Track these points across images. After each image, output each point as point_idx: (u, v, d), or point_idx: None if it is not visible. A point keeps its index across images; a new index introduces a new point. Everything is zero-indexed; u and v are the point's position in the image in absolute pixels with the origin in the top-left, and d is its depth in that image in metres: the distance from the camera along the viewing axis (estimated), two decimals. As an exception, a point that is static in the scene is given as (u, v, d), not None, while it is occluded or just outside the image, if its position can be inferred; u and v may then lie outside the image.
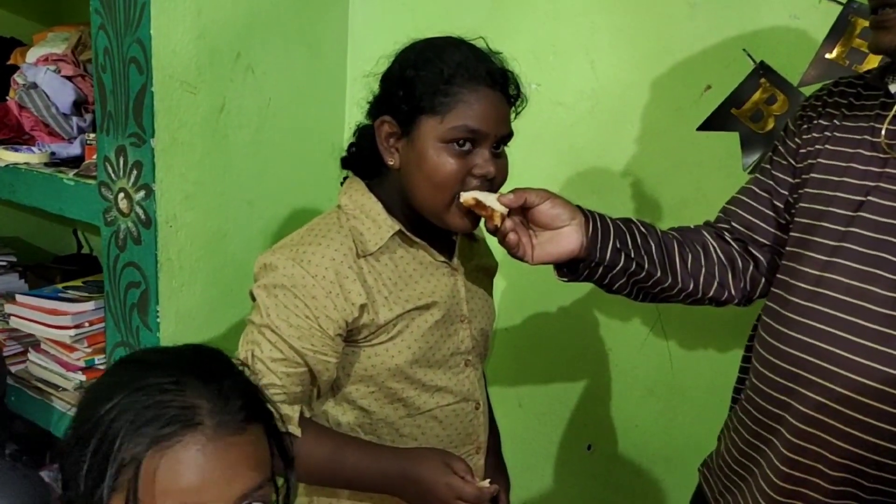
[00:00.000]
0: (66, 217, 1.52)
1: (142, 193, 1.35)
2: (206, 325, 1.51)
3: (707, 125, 1.31)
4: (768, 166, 1.01)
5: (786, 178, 0.97)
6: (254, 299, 1.02)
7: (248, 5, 1.45)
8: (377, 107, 1.01)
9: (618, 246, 0.96)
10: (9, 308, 1.58)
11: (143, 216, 1.36)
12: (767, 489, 0.89)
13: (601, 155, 1.48)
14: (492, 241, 1.10)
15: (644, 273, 0.98)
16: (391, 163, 0.99)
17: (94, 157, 1.45)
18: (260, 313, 0.98)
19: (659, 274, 0.99)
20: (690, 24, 1.31)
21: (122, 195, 1.38)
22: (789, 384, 0.86)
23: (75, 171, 1.52)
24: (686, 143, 1.34)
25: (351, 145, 1.10)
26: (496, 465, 1.23)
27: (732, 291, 1.02)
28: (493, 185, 0.97)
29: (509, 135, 0.98)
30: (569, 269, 1.01)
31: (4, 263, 1.98)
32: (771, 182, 0.99)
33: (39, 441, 1.76)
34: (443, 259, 1.06)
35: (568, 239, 0.97)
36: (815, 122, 0.94)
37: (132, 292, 1.42)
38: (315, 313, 0.96)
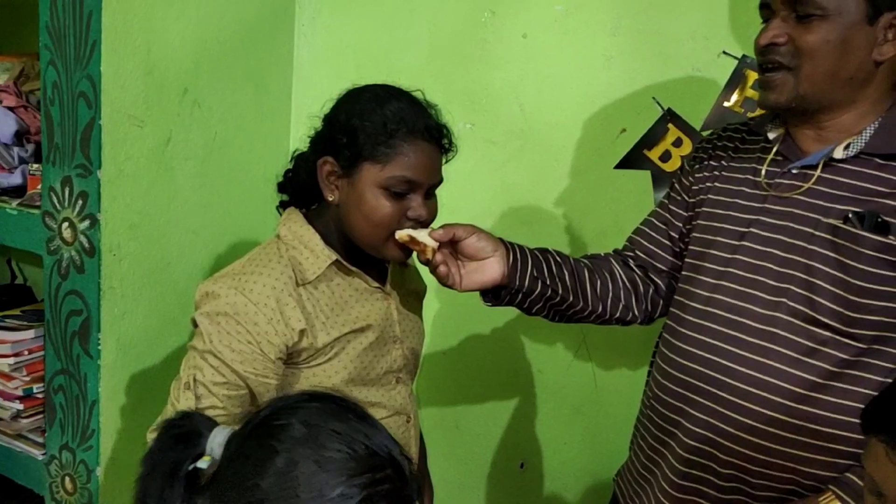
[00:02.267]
0: (8, 246, 1.53)
1: (87, 223, 1.38)
2: (147, 352, 1.53)
3: (623, 164, 1.44)
4: (666, 201, 1.14)
5: (680, 211, 1.10)
6: (195, 325, 1.07)
7: (196, 43, 1.51)
8: (320, 146, 1.09)
9: (535, 274, 1.07)
10: (-57, 337, 1.56)
11: (87, 245, 1.39)
12: (668, 488, 1.00)
13: (530, 190, 1.59)
14: (423, 268, 1.19)
15: (559, 298, 1.09)
16: (331, 198, 1.06)
17: (39, 187, 1.47)
18: (203, 339, 1.03)
19: (571, 298, 1.09)
20: (607, 74, 1.45)
21: (66, 224, 1.41)
22: (683, 391, 0.98)
23: (18, 200, 1.53)
24: (604, 180, 1.48)
25: (287, 171, 1.17)
26: (422, 475, 1.31)
27: (636, 312, 1.14)
28: (424, 225, 1.06)
29: (440, 181, 1.08)
30: (493, 294, 1.11)
31: (-65, 293, 1.94)
32: (668, 215, 1.12)
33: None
34: (377, 285, 1.14)
35: (491, 269, 1.07)
36: (706, 162, 1.07)
37: (73, 320, 1.44)
38: (257, 339, 1.02)
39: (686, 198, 1.10)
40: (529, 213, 1.60)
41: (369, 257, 1.10)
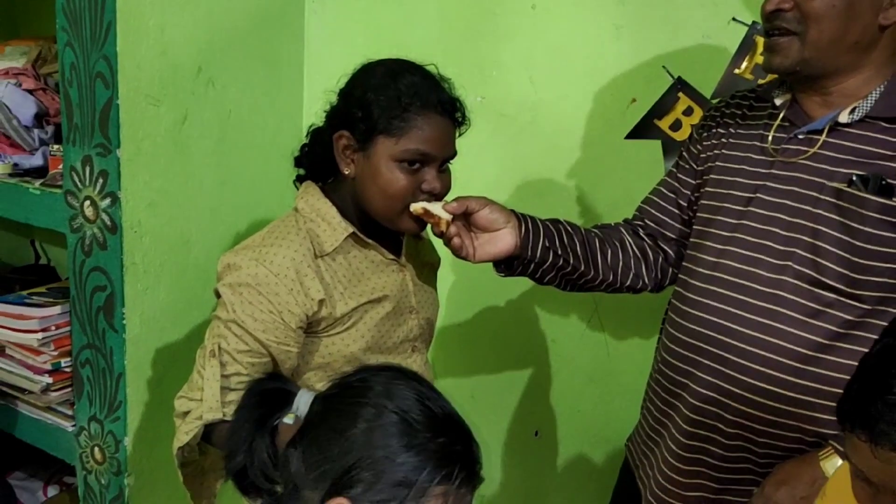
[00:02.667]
0: (32, 225, 1.57)
1: (108, 201, 1.42)
2: (169, 327, 1.57)
3: (633, 134, 1.45)
4: (675, 170, 1.15)
5: (689, 179, 1.11)
6: (218, 296, 1.10)
7: (209, 22, 1.53)
8: (336, 120, 1.11)
9: (546, 244, 1.08)
10: (-29, 314, 1.62)
11: (108, 222, 1.43)
12: (676, 448, 1.02)
13: (542, 162, 1.60)
14: (437, 240, 1.21)
15: (570, 267, 1.10)
16: (347, 172, 1.09)
17: (60, 167, 1.51)
18: (226, 309, 1.06)
19: (583, 268, 1.11)
20: (616, 44, 1.45)
21: (88, 203, 1.45)
22: (691, 355, 0.99)
23: (40, 180, 1.57)
24: (615, 150, 1.48)
25: (304, 145, 1.19)
26: None
27: (646, 280, 1.15)
28: (437, 197, 1.08)
29: (454, 155, 1.10)
30: (505, 265, 1.13)
31: (-38, 274, 2.00)
32: (676, 184, 1.13)
33: (2, 446, 1.78)
34: (392, 257, 1.16)
35: (504, 240, 1.09)
36: (714, 130, 1.08)
37: (98, 296, 1.48)
38: (278, 308, 1.05)
39: (694, 166, 1.11)
40: (541, 185, 1.61)
41: (385, 230, 1.12)
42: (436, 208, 1.06)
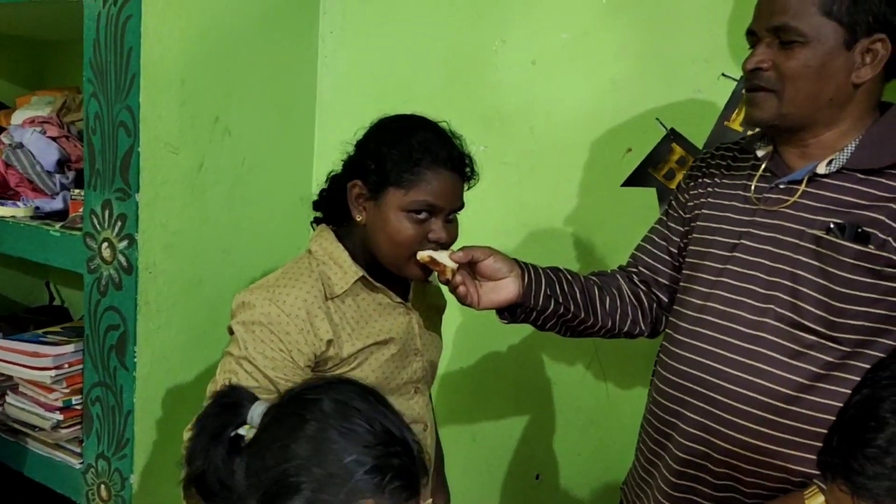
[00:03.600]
0: (48, 266, 1.63)
1: (125, 243, 1.48)
2: (179, 365, 1.61)
3: (629, 182, 1.51)
4: (664, 217, 1.20)
5: (678, 227, 1.16)
6: (231, 333, 1.15)
7: (227, 75, 1.62)
8: (351, 169, 1.17)
9: (548, 293, 1.13)
10: (-12, 351, 1.67)
11: (125, 263, 1.49)
12: (666, 488, 1.04)
13: (542, 208, 1.66)
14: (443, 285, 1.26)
15: (570, 315, 1.15)
16: (359, 218, 1.14)
17: (80, 210, 1.58)
18: (238, 346, 1.10)
19: (583, 315, 1.15)
20: (613, 97, 1.52)
21: (105, 244, 1.51)
22: (680, 395, 1.03)
23: (60, 223, 1.64)
24: (613, 197, 1.54)
25: (322, 191, 1.26)
26: (440, 483, 1.36)
27: (642, 326, 1.19)
28: (444, 247, 1.13)
29: (461, 207, 1.15)
30: (509, 312, 1.17)
31: (-22, 314, 2.05)
32: (666, 231, 1.18)
33: (11, 484, 1.80)
34: (399, 300, 1.21)
35: (507, 289, 1.13)
36: (700, 179, 1.13)
37: (111, 334, 1.53)
38: (288, 347, 1.09)
39: (682, 213, 1.16)
40: (542, 230, 1.67)
41: (393, 274, 1.17)
42: (442, 257, 1.11)
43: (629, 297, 1.20)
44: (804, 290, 0.95)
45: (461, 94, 1.71)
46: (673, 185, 1.45)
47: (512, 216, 1.70)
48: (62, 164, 1.90)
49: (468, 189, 1.18)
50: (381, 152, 1.12)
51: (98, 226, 1.51)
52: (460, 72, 1.72)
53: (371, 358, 1.17)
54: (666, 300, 1.19)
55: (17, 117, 1.95)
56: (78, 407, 1.62)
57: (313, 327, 1.10)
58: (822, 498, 0.86)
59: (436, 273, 1.14)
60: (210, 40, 1.56)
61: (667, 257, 1.19)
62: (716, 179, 1.11)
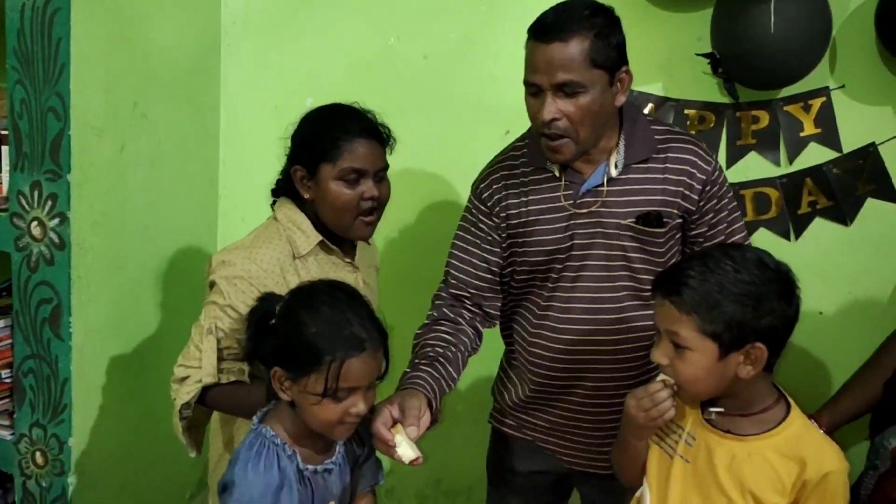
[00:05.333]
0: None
1: (56, 220, 1.58)
2: (110, 336, 1.74)
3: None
4: (477, 241, 1.38)
5: (495, 248, 1.37)
6: (212, 286, 1.32)
7: (144, 65, 1.75)
8: (291, 159, 1.39)
9: (443, 395, 1.30)
10: None
11: (56, 240, 1.59)
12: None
13: (438, 183, 1.94)
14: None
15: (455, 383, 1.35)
16: (307, 196, 1.36)
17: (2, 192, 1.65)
18: (222, 296, 1.29)
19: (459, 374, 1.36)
20: (493, 87, 1.83)
21: (35, 223, 1.60)
22: (562, 354, 1.38)
23: (-23, 206, 1.68)
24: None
25: (278, 181, 1.45)
26: None
27: (478, 344, 1.43)
28: (379, 203, 1.36)
29: (385, 166, 1.39)
30: None
31: None
32: (484, 254, 1.38)
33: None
34: (349, 260, 1.44)
35: (425, 422, 1.20)
36: (503, 203, 1.35)
37: (44, 308, 1.62)
38: None
39: (496, 236, 1.37)
40: (437, 203, 1.96)
41: (341, 240, 1.40)
42: (403, 448, 1.13)
43: (471, 332, 1.41)
44: (636, 265, 1.31)
45: (361, 85, 1.95)
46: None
47: (411, 193, 1.97)
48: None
49: (390, 152, 1.42)
50: (307, 138, 1.36)
51: (27, 205, 1.59)
52: (359, 64, 1.95)
53: None
54: (492, 312, 1.43)
55: None
56: (8, 381, 1.69)
57: (285, 280, 1.31)
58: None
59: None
60: (129, 29, 1.68)
61: (489, 276, 1.41)
62: (521, 199, 1.34)
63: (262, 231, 1.38)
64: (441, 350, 1.34)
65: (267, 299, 1.14)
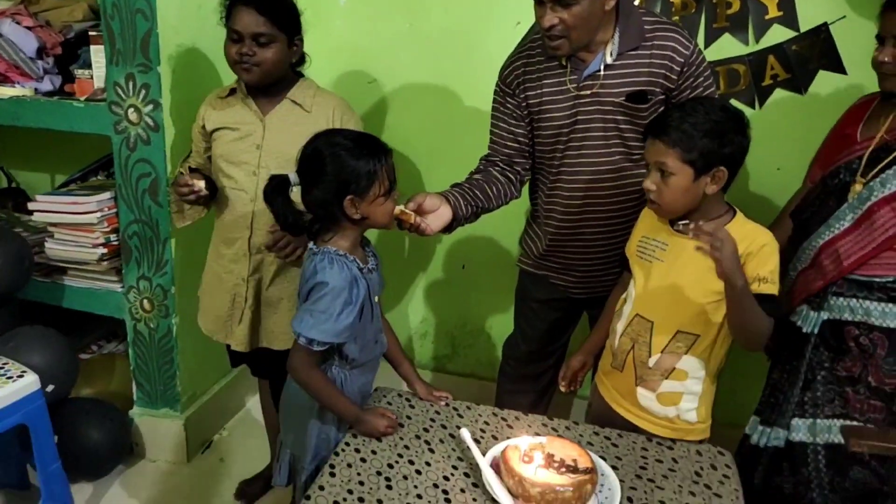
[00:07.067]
0: (77, 132, 2.00)
1: (150, 107, 1.90)
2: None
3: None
4: (503, 117, 1.72)
5: (521, 122, 1.68)
6: None
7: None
8: None
9: (468, 207, 1.66)
10: (31, 205, 2.04)
11: (151, 123, 1.91)
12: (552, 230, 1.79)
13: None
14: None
15: (480, 211, 1.71)
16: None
17: (97, 86, 1.96)
18: None
19: (486, 206, 1.71)
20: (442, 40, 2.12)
21: (131, 109, 1.92)
22: (578, 205, 1.72)
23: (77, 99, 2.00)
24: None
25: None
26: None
27: (515, 193, 1.77)
28: (257, 62, 1.66)
29: (264, 33, 1.65)
30: (448, 228, 1.65)
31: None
32: (511, 127, 1.70)
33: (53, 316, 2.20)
34: (255, 109, 1.77)
35: (444, 215, 1.58)
36: (524, 85, 1.65)
37: (143, 181, 1.97)
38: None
39: (520, 112, 1.69)
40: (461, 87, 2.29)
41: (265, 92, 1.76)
42: (404, 209, 1.46)
43: (503, 180, 1.77)
44: (628, 135, 1.64)
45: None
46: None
47: (434, 76, 2.29)
48: (40, 51, 2.19)
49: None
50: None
51: (123, 95, 1.91)
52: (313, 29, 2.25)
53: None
54: (521, 171, 1.78)
55: (-20, 9, 2.19)
56: (115, 243, 2.06)
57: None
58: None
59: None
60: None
61: (516, 145, 1.73)
62: (540, 82, 1.64)
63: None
64: (468, 183, 1.72)
65: (273, 178, 1.40)
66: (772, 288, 1.35)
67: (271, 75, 1.69)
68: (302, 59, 1.79)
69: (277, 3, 1.67)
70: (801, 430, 1.67)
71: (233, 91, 1.77)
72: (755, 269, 1.34)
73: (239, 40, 1.64)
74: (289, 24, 1.68)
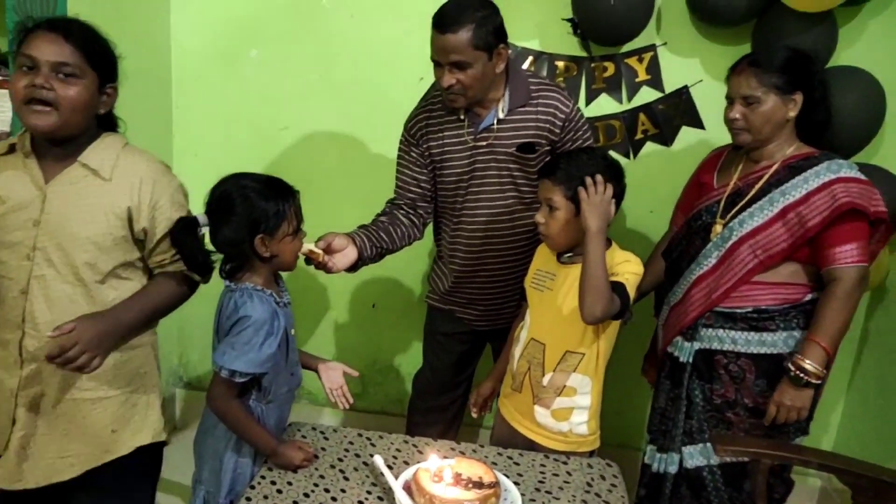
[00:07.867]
0: None
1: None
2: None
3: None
4: (407, 165, 1.86)
5: (423, 170, 1.84)
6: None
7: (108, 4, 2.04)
8: None
9: (373, 248, 1.79)
10: None
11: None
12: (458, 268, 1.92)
13: (364, 119, 2.40)
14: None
15: (384, 252, 1.84)
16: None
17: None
18: None
19: (390, 248, 1.85)
20: (408, 40, 2.29)
21: None
22: (477, 249, 1.88)
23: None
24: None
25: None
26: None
27: (417, 235, 1.92)
28: (54, 99, 1.29)
29: (67, 63, 1.30)
30: (352, 268, 1.78)
31: None
32: (414, 175, 1.85)
33: None
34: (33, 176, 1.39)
35: (350, 255, 1.71)
36: (426, 136, 1.81)
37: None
38: None
39: (423, 160, 1.84)
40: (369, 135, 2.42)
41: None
42: (314, 248, 1.58)
43: (407, 222, 1.91)
44: (520, 181, 1.81)
45: (297, 38, 2.35)
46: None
47: (343, 125, 2.42)
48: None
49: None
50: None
51: None
52: (296, 20, 2.34)
53: None
54: (425, 213, 1.92)
55: None
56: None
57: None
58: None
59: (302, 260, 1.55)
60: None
61: (420, 190, 1.88)
62: (441, 134, 1.80)
63: None
64: (374, 225, 1.84)
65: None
66: (621, 279, 1.52)
67: (70, 124, 1.32)
68: (111, 117, 1.45)
69: (90, 33, 1.35)
70: (694, 456, 1.77)
71: (12, 148, 1.40)
72: (612, 268, 1.53)
73: (33, 70, 1.28)
74: (102, 62, 1.35)
